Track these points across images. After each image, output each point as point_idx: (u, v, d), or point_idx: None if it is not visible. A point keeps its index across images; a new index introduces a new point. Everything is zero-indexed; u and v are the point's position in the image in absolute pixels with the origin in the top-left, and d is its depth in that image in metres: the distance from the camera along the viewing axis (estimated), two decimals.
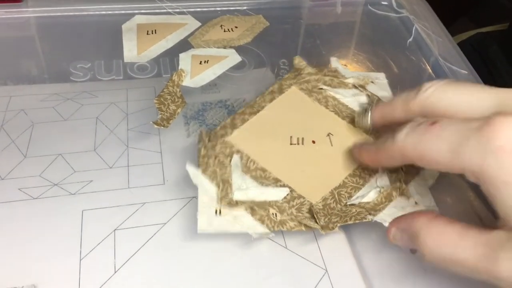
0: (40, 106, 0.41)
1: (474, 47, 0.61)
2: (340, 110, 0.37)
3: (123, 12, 0.42)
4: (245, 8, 0.45)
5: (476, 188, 0.33)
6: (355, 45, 0.47)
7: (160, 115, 0.36)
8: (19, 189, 0.34)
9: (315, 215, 0.30)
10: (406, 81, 0.44)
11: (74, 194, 0.34)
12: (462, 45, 0.46)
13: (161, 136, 0.39)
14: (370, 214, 0.31)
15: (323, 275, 0.30)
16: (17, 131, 0.38)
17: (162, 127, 0.35)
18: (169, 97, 0.37)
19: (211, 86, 0.40)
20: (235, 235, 0.31)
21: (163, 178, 0.36)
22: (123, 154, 0.37)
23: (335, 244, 0.32)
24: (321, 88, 0.38)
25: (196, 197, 0.34)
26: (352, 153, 0.34)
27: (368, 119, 0.34)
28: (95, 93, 0.42)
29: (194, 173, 0.32)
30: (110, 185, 0.35)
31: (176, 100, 0.37)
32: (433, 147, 0.25)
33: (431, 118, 0.27)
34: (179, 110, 0.36)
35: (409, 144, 0.27)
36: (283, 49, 0.45)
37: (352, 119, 0.36)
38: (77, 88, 0.42)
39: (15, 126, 0.39)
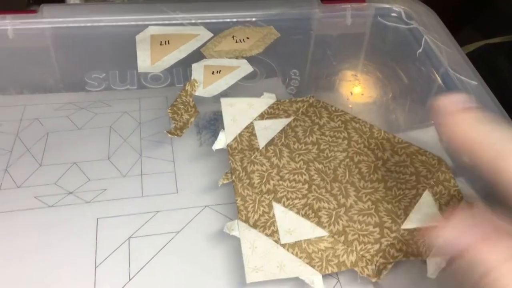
0: (54, 115, 0.41)
1: (482, 59, 0.61)
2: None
3: (136, 23, 0.42)
4: (255, 19, 0.46)
5: None
6: (364, 55, 0.48)
7: (174, 124, 0.36)
8: (35, 197, 0.34)
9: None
10: (416, 91, 0.45)
11: (89, 202, 0.34)
12: (469, 56, 0.47)
13: (173, 145, 0.39)
14: None
15: None
16: (32, 139, 0.39)
17: (176, 136, 0.35)
18: (182, 106, 0.37)
19: (223, 95, 0.40)
20: None
21: (176, 186, 0.36)
22: (137, 163, 0.37)
23: None
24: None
25: (209, 206, 0.35)
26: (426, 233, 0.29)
27: None
28: (109, 102, 0.43)
29: (232, 226, 0.31)
30: (124, 193, 0.35)
31: (189, 109, 0.37)
32: None
33: None
34: (192, 120, 0.37)
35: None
36: (294, 59, 0.46)
37: None
38: (91, 98, 0.43)
39: (30, 134, 0.39)
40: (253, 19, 0.45)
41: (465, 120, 0.23)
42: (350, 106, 0.42)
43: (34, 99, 0.43)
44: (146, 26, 0.42)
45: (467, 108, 0.24)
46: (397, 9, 0.48)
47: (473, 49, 0.65)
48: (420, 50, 0.45)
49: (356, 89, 0.45)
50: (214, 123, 0.41)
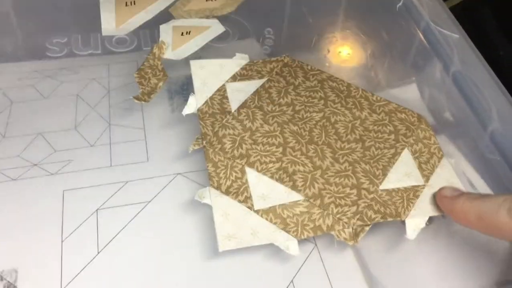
0: (19, 85, 0.39)
1: (466, 12, 0.60)
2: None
3: None
4: None
5: None
6: (343, 11, 0.46)
7: (141, 90, 0.34)
8: None
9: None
10: (396, 47, 0.43)
11: (54, 174, 0.33)
12: (453, 10, 0.45)
13: (144, 112, 0.37)
14: None
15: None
16: None
17: (144, 102, 0.34)
18: (149, 70, 0.35)
19: (193, 58, 0.38)
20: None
21: (147, 155, 0.34)
22: (105, 132, 0.36)
23: None
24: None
25: (181, 174, 0.33)
26: (438, 198, 0.30)
27: None
28: (75, 69, 0.41)
29: (203, 193, 0.30)
30: (92, 164, 0.33)
31: (158, 73, 0.35)
32: None
33: None
34: (160, 84, 0.35)
35: None
36: (268, 18, 0.44)
37: None
38: (56, 65, 0.41)
39: None
40: None
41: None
42: (327, 64, 0.41)
43: None
44: None
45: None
46: None
47: (457, 2, 0.63)
48: (400, 4, 0.43)
49: (334, 47, 0.43)
50: (187, 88, 0.40)
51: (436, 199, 0.30)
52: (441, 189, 0.30)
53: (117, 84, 0.40)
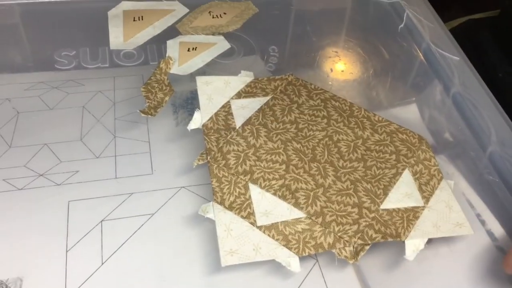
0: (25, 95, 0.40)
1: (465, 34, 0.60)
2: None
3: None
4: None
5: None
6: (345, 31, 0.47)
7: (148, 104, 0.35)
8: (3, 179, 0.33)
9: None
10: (397, 67, 0.44)
11: (60, 184, 0.33)
12: (453, 32, 0.46)
13: (149, 125, 0.38)
14: None
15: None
16: (1, 120, 0.37)
17: (150, 116, 0.34)
18: (156, 85, 0.36)
19: (199, 73, 0.39)
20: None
21: (151, 167, 0.35)
22: (110, 144, 0.36)
23: None
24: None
25: (185, 187, 0.34)
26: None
27: None
28: (82, 81, 0.42)
29: (207, 208, 0.30)
30: (97, 175, 0.34)
31: (164, 88, 0.36)
32: None
33: None
34: (167, 98, 0.36)
35: None
36: (273, 36, 0.44)
37: None
38: (63, 77, 0.42)
39: (0, 115, 0.38)
40: None
41: None
42: (330, 83, 0.41)
43: (3, 78, 0.41)
44: (119, 1, 0.40)
45: None
46: None
47: (457, 24, 0.64)
48: (402, 25, 0.44)
49: (337, 66, 0.44)
50: (192, 102, 0.40)
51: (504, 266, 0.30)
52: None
53: (123, 97, 0.40)
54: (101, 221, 0.31)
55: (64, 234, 0.30)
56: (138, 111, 0.34)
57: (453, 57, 0.41)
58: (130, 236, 0.31)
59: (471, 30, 0.60)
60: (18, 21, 0.40)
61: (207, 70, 0.39)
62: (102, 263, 0.29)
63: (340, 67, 0.44)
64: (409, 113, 0.41)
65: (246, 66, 0.39)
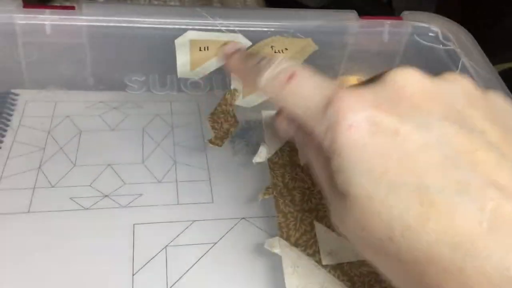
0: (85, 114, 0.41)
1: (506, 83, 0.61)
2: None
3: (175, 26, 0.42)
4: (293, 31, 0.45)
5: None
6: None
7: (214, 134, 0.36)
8: (70, 198, 0.34)
9: None
10: None
11: (125, 206, 0.34)
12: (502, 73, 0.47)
13: (207, 153, 0.39)
14: None
15: None
16: (64, 138, 0.38)
17: (217, 146, 0.35)
18: (222, 115, 0.37)
19: (262, 106, 0.40)
20: None
21: (212, 196, 0.36)
22: (171, 169, 0.37)
23: None
24: None
25: (245, 218, 0.34)
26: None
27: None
28: (139, 103, 0.43)
29: (273, 243, 0.30)
30: (160, 200, 0.35)
31: (229, 119, 0.37)
32: (289, 103, 0.25)
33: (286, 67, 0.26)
34: (232, 129, 0.36)
35: (269, 91, 0.26)
36: (330, 73, 0.45)
37: None
38: (121, 98, 0.43)
39: (62, 132, 0.39)
40: (291, 30, 0.44)
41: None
42: None
43: (65, 95, 0.42)
44: (184, 30, 0.41)
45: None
46: (434, 29, 0.47)
47: (500, 70, 0.65)
48: (457, 72, 0.45)
49: None
50: (247, 132, 0.41)
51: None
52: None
53: (180, 122, 0.41)
54: (166, 247, 0.32)
55: (130, 257, 0.31)
56: (206, 141, 0.35)
57: None
58: (194, 264, 0.31)
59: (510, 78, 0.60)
60: (85, 42, 0.41)
61: (268, 103, 0.40)
62: None
63: None
64: None
65: None
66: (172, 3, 0.57)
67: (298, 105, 0.24)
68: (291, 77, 0.25)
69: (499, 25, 0.78)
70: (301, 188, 0.33)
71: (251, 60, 0.29)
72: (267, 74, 0.26)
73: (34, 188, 0.34)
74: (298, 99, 0.24)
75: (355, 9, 0.47)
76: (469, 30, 0.49)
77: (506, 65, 0.68)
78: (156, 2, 0.57)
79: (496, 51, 0.69)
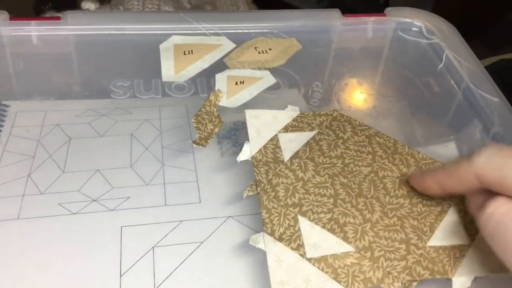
0: (75, 122, 0.41)
1: (498, 75, 0.61)
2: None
3: (160, 32, 0.42)
4: (277, 31, 0.46)
5: None
6: (385, 69, 0.48)
7: (199, 134, 0.36)
8: (59, 204, 0.34)
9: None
10: (437, 106, 0.45)
11: (112, 210, 0.34)
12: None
13: (195, 154, 0.39)
14: None
15: None
16: (54, 146, 0.39)
17: (201, 146, 0.36)
18: (206, 116, 0.37)
19: (246, 106, 0.40)
20: None
21: (199, 196, 0.36)
22: (159, 172, 0.37)
23: None
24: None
25: (232, 217, 0.35)
26: (412, 181, 0.34)
27: None
28: (129, 109, 0.43)
29: (257, 239, 0.31)
30: (148, 202, 0.35)
31: (214, 119, 0.37)
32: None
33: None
34: (216, 130, 0.37)
35: (490, 168, 0.27)
36: (316, 72, 0.46)
37: None
38: (111, 105, 0.43)
39: (52, 141, 0.39)
40: (275, 30, 0.45)
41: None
42: (373, 120, 0.42)
43: (54, 105, 0.43)
44: (169, 35, 0.42)
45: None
46: (418, 24, 0.48)
47: (488, 64, 0.65)
48: (441, 65, 0.45)
49: (377, 103, 0.45)
50: (235, 133, 0.42)
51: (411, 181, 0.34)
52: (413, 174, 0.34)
53: (169, 126, 0.42)
54: (153, 247, 0.32)
55: (118, 259, 0.31)
56: (190, 141, 0.35)
57: (492, 98, 0.42)
58: (181, 263, 0.31)
59: (504, 70, 0.60)
60: (72, 51, 0.42)
61: (253, 103, 0.41)
62: None
63: (380, 105, 0.45)
64: (448, 151, 0.41)
65: (290, 100, 0.40)
66: (166, 8, 0.58)
67: None
68: None
69: (499, 20, 0.79)
70: (285, 184, 0.33)
71: (446, 167, 0.31)
72: (486, 152, 0.28)
73: (24, 195, 0.35)
74: None
75: (349, 11, 0.47)
76: (469, 25, 0.50)
77: (499, 57, 0.68)
78: (149, 7, 0.58)
79: (496, 45, 0.70)
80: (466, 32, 0.50)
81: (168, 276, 0.31)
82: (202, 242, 0.33)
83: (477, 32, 0.75)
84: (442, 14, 0.50)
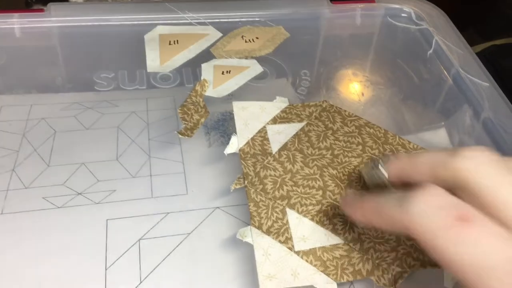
0: (61, 115, 0.41)
1: (489, 60, 0.61)
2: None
3: (145, 22, 0.42)
4: (264, 19, 0.45)
5: None
6: (375, 56, 0.48)
7: (184, 125, 0.36)
8: (43, 198, 0.34)
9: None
10: (426, 92, 0.44)
11: (98, 203, 0.34)
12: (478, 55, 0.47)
13: (182, 146, 0.39)
14: None
15: None
16: (39, 139, 0.38)
17: (186, 137, 0.35)
18: (192, 106, 0.37)
19: (229, 95, 0.40)
20: None
21: (186, 188, 0.35)
22: (146, 164, 0.37)
23: None
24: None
25: (219, 208, 0.34)
26: (340, 204, 0.31)
27: (384, 174, 0.29)
28: (116, 102, 0.42)
29: (245, 233, 0.30)
30: (134, 194, 0.35)
31: (200, 110, 0.37)
32: (465, 255, 0.21)
33: (460, 206, 0.22)
34: (202, 120, 0.36)
35: (425, 228, 0.22)
36: (304, 60, 0.45)
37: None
38: (97, 97, 0.43)
39: (37, 134, 0.39)
40: (262, 19, 0.45)
41: None
42: (362, 107, 0.42)
43: (40, 98, 0.42)
44: (155, 25, 0.41)
45: None
46: (407, 10, 0.47)
47: (479, 50, 0.65)
48: (431, 51, 0.45)
49: (367, 90, 0.44)
50: (223, 124, 0.41)
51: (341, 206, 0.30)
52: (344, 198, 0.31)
53: (155, 118, 0.41)
54: (139, 240, 0.32)
55: (103, 252, 0.31)
56: (175, 132, 0.35)
57: (482, 83, 0.41)
58: (167, 255, 0.31)
59: (495, 56, 0.60)
60: (56, 43, 0.41)
61: (240, 92, 0.40)
62: (141, 281, 0.30)
63: (370, 92, 0.44)
64: (438, 138, 0.41)
65: (278, 89, 0.40)
66: None
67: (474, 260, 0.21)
68: (466, 220, 0.21)
69: (495, 9, 0.78)
70: (273, 176, 0.33)
71: (377, 199, 0.26)
72: (425, 206, 0.22)
73: (8, 190, 0.34)
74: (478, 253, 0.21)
75: None
76: (468, 13, 0.49)
77: (490, 43, 0.67)
78: None
79: (493, 33, 0.69)
80: (460, 21, 0.49)
81: (154, 269, 0.30)
82: (189, 234, 0.32)
83: (471, 21, 0.75)
84: (438, 3, 0.50)
